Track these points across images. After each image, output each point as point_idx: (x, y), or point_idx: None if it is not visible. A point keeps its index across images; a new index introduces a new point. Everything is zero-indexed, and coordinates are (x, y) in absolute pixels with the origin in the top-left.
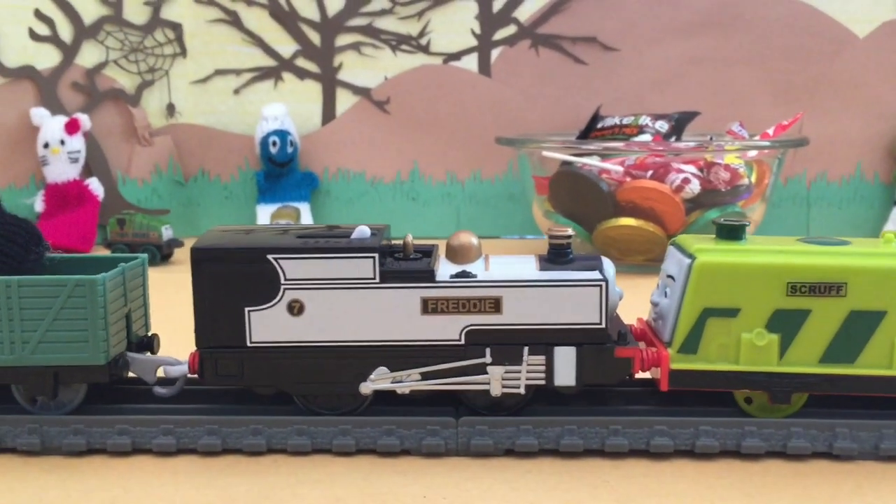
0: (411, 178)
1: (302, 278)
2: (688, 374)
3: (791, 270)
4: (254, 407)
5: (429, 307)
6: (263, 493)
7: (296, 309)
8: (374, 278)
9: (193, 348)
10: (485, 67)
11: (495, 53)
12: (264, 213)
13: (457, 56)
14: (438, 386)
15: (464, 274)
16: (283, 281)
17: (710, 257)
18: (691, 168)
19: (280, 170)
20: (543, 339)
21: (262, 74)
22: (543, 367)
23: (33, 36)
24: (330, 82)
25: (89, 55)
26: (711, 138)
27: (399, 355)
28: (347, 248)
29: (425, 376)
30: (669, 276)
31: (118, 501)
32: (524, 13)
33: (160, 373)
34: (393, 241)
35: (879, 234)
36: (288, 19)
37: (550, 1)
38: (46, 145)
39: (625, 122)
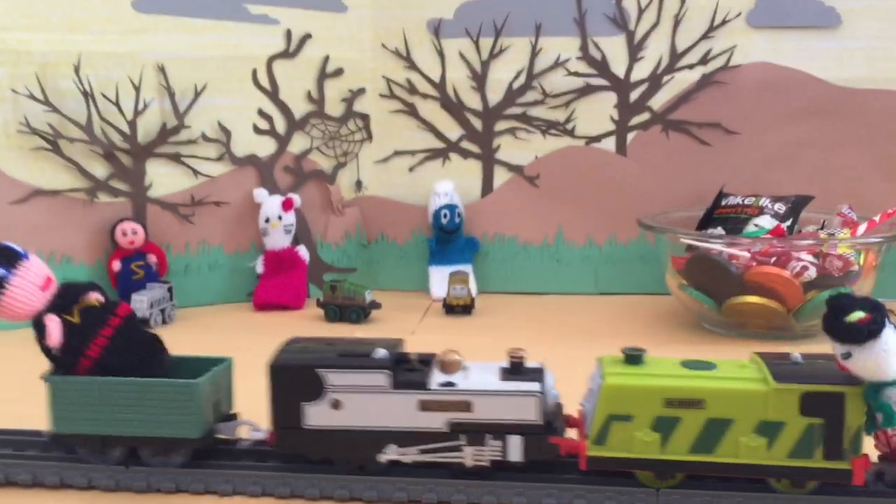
0: (556, 241)
1: (339, 385)
2: (599, 458)
3: (667, 391)
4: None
5: (424, 406)
6: None
7: (335, 405)
8: (387, 386)
9: None
10: (621, 148)
11: (630, 136)
12: (436, 274)
13: (597, 139)
14: (431, 458)
15: (448, 384)
16: (325, 386)
17: (614, 380)
18: (809, 256)
19: (449, 237)
20: (500, 430)
21: (433, 155)
22: (501, 448)
23: (256, 130)
24: (489, 161)
25: (297, 143)
26: (824, 223)
27: (405, 437)
28: (370, 366)
29: (422, 452)
30: (591, 389)
31: None
32: (657, 102)
33: (245, 434)
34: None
35: None
36: (456, 109)
37: (680, 92)
38: (267, 220)
39: (746, 202)
